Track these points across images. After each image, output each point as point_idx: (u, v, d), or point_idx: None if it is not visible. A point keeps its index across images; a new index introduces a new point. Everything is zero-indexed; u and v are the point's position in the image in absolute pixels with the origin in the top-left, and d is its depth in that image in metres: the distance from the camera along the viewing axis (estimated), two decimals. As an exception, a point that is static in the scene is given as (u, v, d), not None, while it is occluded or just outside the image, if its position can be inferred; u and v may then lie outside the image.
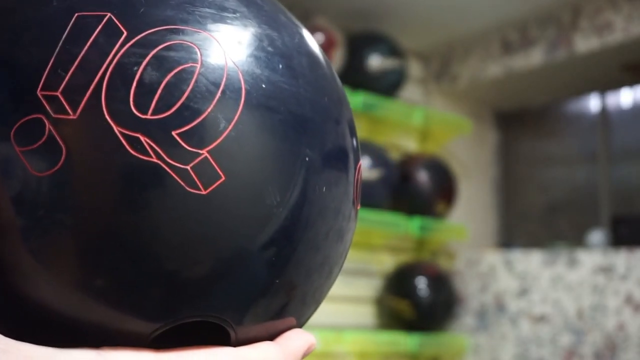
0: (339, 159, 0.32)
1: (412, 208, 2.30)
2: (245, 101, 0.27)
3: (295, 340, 0.31)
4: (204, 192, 0.26)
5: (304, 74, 0.30)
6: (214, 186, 0.26)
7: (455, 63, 2.69)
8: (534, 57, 2.42)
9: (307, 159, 0.29)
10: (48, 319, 0.26)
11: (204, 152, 0.26)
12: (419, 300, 2.27)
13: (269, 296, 0.29)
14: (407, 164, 2.37)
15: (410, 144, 2.60)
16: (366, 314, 2.38)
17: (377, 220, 2.13)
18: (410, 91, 2.65)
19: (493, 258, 2.43)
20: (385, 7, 2.33)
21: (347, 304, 2.29)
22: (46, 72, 0.26)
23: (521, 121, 2.97)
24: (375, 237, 2.33)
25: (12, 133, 0.25)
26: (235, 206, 0.27)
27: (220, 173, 0.26)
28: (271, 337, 0.31)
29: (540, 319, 2.27)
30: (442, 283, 2.33)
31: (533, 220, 2.89)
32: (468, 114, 2.76)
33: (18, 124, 0.25)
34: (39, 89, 0.25)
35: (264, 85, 0.28)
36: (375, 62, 2.26)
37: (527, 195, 2.92)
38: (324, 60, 0.33)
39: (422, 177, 2.34)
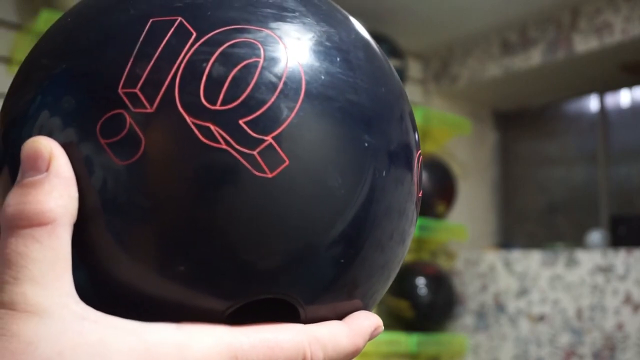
0: (402, 152, 0.33)
1: (412, 208, 2.30)
2: (305, 91, 0.29)
3: (363, 320, 0.33)
4: (269, 176, 0.28)
5: (360, 66, 0.32)
6: (279, 170, 0.28)
7: (454, 63, 2.69)
8: (534, 58, 2.43)
9: (366, 144, 0.31)
10: (130, 297, 0.29)
11: (269, 139, 0.28)
12: (418, 300, 2.28)
13: (338, 280, 0.31)
14: (407, 164, 2.37)
15: (410, 144, 2.60)
16: (366, 314, 2.38)
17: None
18: (410, 91, 2.65)
19: (492, 258, 2.44)
20: (385, 8, 2.34)
21: (346, 304, 2.30)
22: (126, 72, 0.28)
23: (520, 121, 2.98)
24: (375, 237, 2.33)
25: (97, 128, 0.28)
26: (300, 188, 0.29)
27: (284, 157, 0.28)
28: (339, 317, 0.33)
29: (540, 319, 2.28)
30: (441, 283, 2.34)
31: (532, 221, 2.89)
32: (467, 114, 2.76)
33: (103, 119, 0.28)
34: (119, 87, 0.28)
35: (322, 77, 0.30)
36: (375, 62, 2.27)
37: (527, 195, 2.93)
38: (381, 55, 0.35)
39: (422, 177, 2.34)
